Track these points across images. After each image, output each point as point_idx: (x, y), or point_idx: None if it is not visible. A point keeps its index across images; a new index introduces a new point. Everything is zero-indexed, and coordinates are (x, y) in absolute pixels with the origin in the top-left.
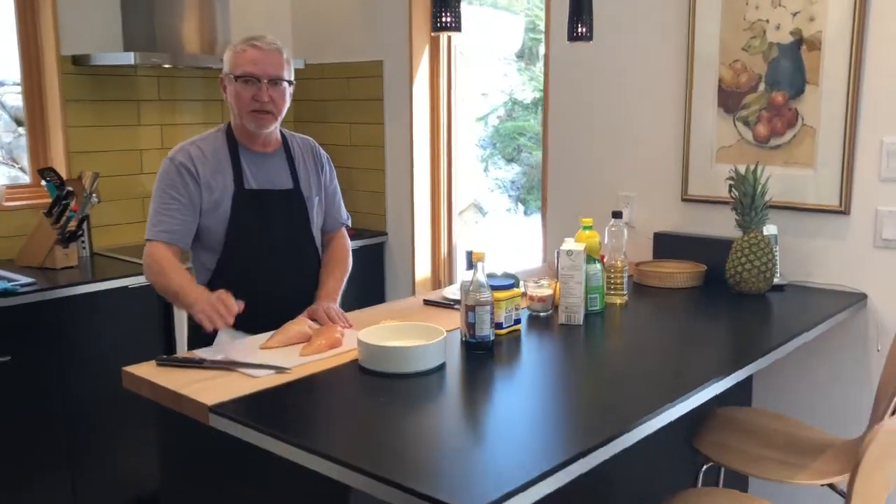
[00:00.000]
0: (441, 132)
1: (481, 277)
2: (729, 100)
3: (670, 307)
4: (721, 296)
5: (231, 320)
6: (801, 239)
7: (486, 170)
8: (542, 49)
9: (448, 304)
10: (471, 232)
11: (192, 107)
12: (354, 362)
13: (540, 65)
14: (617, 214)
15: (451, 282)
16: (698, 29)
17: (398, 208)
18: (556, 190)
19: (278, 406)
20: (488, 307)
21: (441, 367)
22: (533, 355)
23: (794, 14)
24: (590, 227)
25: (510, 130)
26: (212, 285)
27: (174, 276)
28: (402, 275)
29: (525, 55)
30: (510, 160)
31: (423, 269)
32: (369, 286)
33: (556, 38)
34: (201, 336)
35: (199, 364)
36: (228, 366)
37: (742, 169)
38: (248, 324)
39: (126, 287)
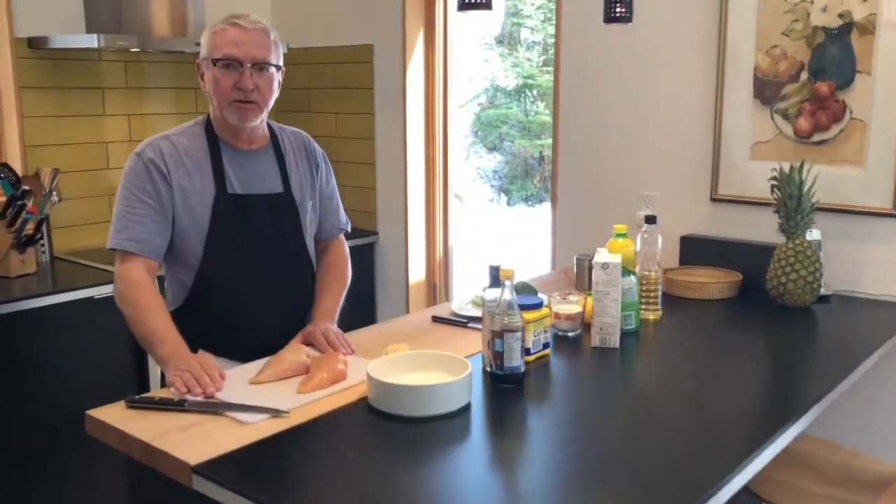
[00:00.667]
0: (437, 123)
1: (510, 298)
2: (766, 90)
3: (709, 324)
4: (761, 309)
5: (212, 392)
6: (848, 244)
7: (467, 159)
8: (524, 33)
9: (461, 322)
10: (453, 224)
11: (162, 95)
12: (363, 401)
13: (523, 51)
14: (650, 219)
15: (446, 286)
16: (731, 10)
17: (390, 205)
18: (567, 189)
19: (276, 462)
20: (519, 334)
21: (466, 408)
22: (569, 389)
23: None
24: (623, 235)
25: (492, 118)
26: (189, 306)
27: (148, 315)
28: (394, 278)
29: (506, 40)
30: (492, 149)
31: (417, 272)
32: (358, 291)
33: (570, 20)
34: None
35: (179, 407)
36: (214, 409)
37: (786, 167)
38: (233, 350)
39: (92, 298)
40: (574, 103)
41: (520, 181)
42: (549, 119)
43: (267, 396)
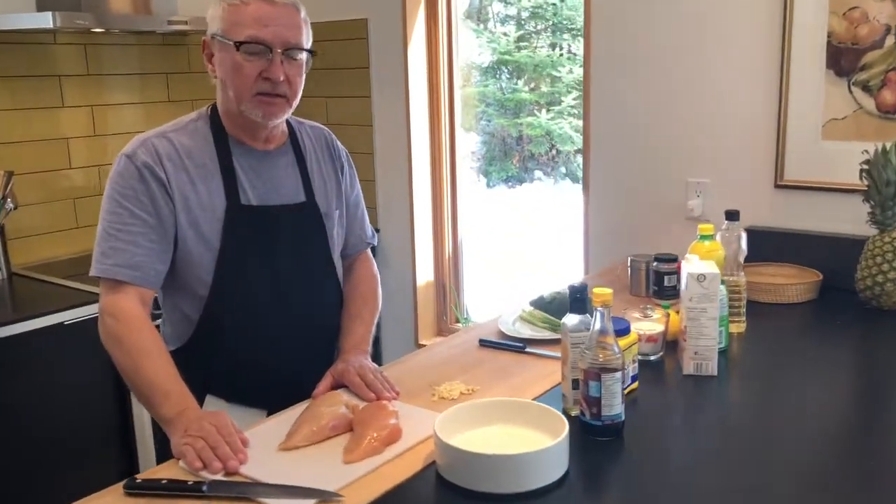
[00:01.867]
0: (443, 106)
1: (606, 328)
2: (842, 59)
3: (803, 336)
4: (853, 313)
5: (235, 466)
6: None
7: None
8: (495, 7)
9: (517, 347)
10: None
11: (129, 83)
12: (430, 468)
13: (497, 25)
14: (732, 215)
15: (458, 289)
16: None
17: (392, 199)
18: (600, 175)
19: None
20: (619, 374)
21: (565, 478)
22: (677, 436)
23: None
24: (710, 237)
25: (469, 97)
26: (195, 344)
27: (147, 363)
28: (399, 280)
29: (475, 15)
30: (468, 129)
31: (424, 273)
32: None
33: None
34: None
35: (196, 491)
36: (242, 493)
37: (878, 148)
38: (250, 395)
39: (61, 324)
40: (607, 76)
41: (499, 162)
42: (528, 97)
43: (306, 469)
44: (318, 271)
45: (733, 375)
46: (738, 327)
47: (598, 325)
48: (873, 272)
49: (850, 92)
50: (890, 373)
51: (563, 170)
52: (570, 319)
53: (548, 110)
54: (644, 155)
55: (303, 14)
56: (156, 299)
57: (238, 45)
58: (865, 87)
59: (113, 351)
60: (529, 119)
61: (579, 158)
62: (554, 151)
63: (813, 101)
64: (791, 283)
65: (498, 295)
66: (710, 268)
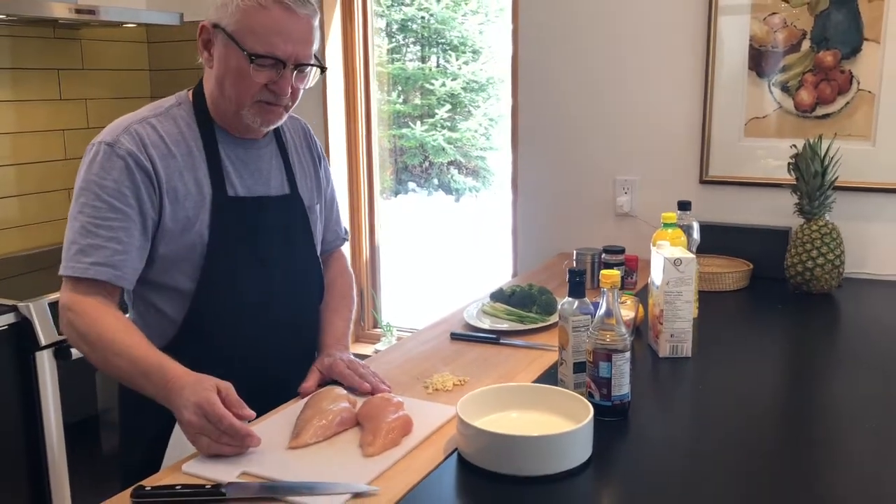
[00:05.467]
0: (359, 111)
1: (614, 309)
2: (763, 61)
3: (751, 318)
4: (786, 297)
5: (255, 443)
6: (856, 223)
7: None
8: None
9: (490, 339)
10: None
11: (42, 78)
12: (451, 457)
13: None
14: (684, 205)
15: (375, 290)
16: None
17: None
18: (529, 173)
19: None
20: (628, 354)
21: (589, 461)
22: (675, 413)
23: None
24: (673, 225)
25: None
26: (178, 345)
27: (127, 342)
28: None
29: None
30: None
31: None
32: None
33: None
34: (139, 404)
35: (216, 495)
36: (272, 494)
37: (805, 143)
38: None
39: None
40: (535, 76)
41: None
42: (403, 108)
43: (326, 466)
44: (304, 266)
45: (705, 356)
46: (694, 312)
47: (604, 307)
48: (803, 258)
49: (771, 92)
50: (827, 350)
51: (435, 181)
52: (570, 304)
53: (422, 122)
54: (571, 156)
55: (316, 21)
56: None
57: (252, 57)
58: (784, 88)
59: (80, 348)
60: (403, 131)
61: (452, 170)
62: (427, 163)
63: (736, 101)
64: (726, 271)
65: (413, 299)
66: (685, 253)
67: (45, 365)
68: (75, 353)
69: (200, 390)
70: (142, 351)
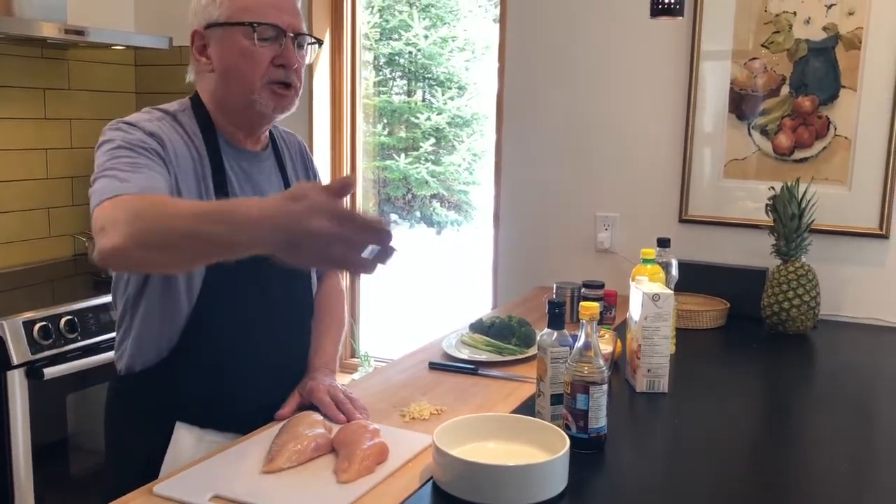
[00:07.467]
0: (345, 135)
1: (592, 342)
2: (743, 105)
3: (727, 357)
4: (762, 338)
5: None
6: (832, 266)
7: None
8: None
9: (468, 369)
10: None
11: (27, 96)
12: (426, 486)
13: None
14: (664, 242)
15: (354, 320)
16: (706, 18)
17: None
18: (510, 208)
19: None
20: (605, 387)
21: (564, 493)
22: (650, 448)
23: (829, 7)
24: (652, 261)
25: None
26: (172, 364)
27: (175, 203)
28: None
29: None
30: None
31: None
32: None
33: (515, 17)
34: (128, 422)
35: None
36: None
37: (783, 185)
38: (227, 420)
39: None
40: (520, 114)
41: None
42: (387, 140)
43: (300, 491)
44: (301, 285)
45: (681, 391)
46: (671, 349)
47: (583, 339)
48: (779, 299)
49: (750, 135)
50: (831, 389)
51: (418, 213)
52: (549, 335)
53: (406, 155)
54: (555, 190)
55: (299, 3)
56: (111, 321)
57: (254, 26)
58: (763, 131)
59: (121, 231)
60: (388, 163)
61: (435, 203)
62: (410, 195)
63: (716, 143)
64: (703, 309)
65: (392, 330)
66: (663, 289)
67: (17, 384)
68: (48, 372)
69: (312, 199)
70: (198, 202)
